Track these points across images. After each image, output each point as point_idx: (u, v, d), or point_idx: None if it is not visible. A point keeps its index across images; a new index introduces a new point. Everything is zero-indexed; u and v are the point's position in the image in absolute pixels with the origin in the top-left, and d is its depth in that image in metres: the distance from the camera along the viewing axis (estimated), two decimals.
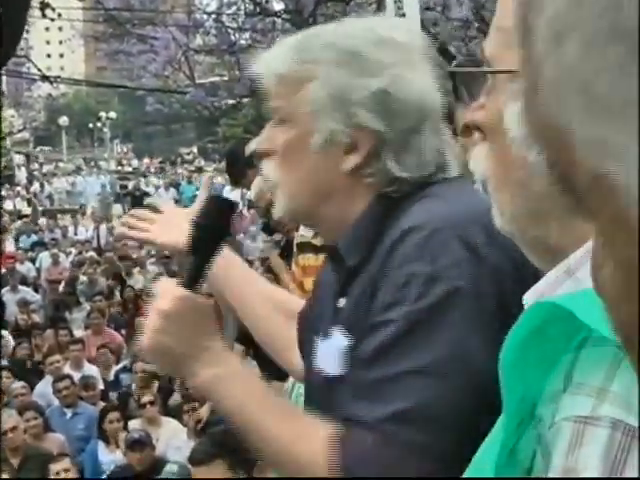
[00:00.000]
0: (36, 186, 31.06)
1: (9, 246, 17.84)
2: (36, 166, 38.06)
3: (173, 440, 7.01)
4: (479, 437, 1.31)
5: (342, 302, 1.55)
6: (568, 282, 0.90)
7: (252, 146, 1.63)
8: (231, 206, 1.62)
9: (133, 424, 7.29)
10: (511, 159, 0.92)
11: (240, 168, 5.27)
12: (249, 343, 7.31)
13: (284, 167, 1.57)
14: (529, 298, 0.94)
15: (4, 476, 6.25)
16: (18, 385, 8.28)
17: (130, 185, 31.14)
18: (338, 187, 1.54)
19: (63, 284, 13.94)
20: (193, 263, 1.56)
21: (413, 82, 1.50)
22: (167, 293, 1.52)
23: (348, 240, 1.55)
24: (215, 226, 1.58)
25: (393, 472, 1.34)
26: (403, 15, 6.65)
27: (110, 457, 7.19)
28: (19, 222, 21.88)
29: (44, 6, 12.62)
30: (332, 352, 1.52)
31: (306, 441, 1.40)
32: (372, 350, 1.40)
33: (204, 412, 6.74)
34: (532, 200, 0.92)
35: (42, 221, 21.71)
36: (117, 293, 12.79)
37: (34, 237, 19.61)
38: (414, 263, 1.38)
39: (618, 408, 0.74)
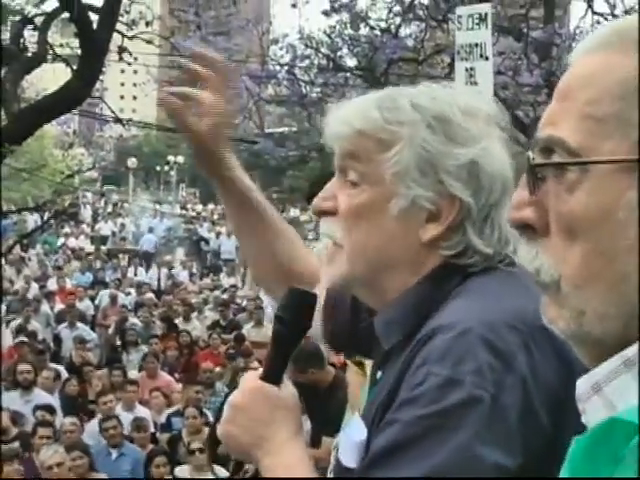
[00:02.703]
0: (100, 225, 31.45)
1: (69, 283, 18.03)
2: (102, 204, 38.66)
3: None
4: None
5: (379, 374, 1.53)
6: (627, 375, 0.84)
7: (316, 202, 1.54)
8: (312, 298, 1.57)
9: (180, 470, 7.26)
10: (616, 250, 0.84)
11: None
12: (303, 395, 7.30)
13: (352, 230, 1.48)
14: (582, 385, 0.88)
15: None
16: (68, 421, 8.26)
17: (191, 230, 31.42)
18: (409, 257, 1.46)
19: (113, 326, 14.00)
20: (274, 356, 1.58)
21: (497, 155, 1.45)
22: (244, 385, 1.56)
23: (386, 319, 1.51)
24: (297, 321, 1.56)
25: None
26: (475, 83, 6.59)
27: None
28: (81, 260, 22.12)
29: (122, 50, 12.86)
30: (350, 444, 1.50)
31: None
32: (379, 449, 1.34)
33: (251, 465, 6.70)
34: (629, 295, 0.84)
35: (104, 260, 21.92)
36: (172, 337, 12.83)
37: (95, 275, 19.80)
38: (435, 364, 1.30)
39: None
